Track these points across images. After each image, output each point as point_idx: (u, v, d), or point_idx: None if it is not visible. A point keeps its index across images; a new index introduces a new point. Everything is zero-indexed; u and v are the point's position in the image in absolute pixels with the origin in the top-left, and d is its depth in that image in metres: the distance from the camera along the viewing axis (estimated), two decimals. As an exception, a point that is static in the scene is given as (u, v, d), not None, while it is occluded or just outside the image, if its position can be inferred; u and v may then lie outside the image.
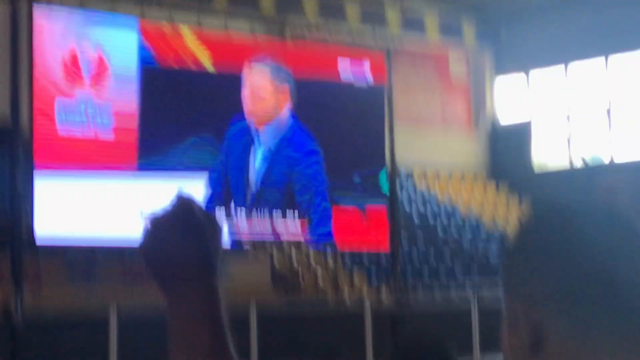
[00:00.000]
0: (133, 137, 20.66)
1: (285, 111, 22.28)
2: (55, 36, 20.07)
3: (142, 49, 20.75)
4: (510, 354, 1.52)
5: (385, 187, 23.95)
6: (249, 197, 21.98)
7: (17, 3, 19.29)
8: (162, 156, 20.81)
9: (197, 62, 21.46)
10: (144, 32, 20.95)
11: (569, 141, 32.55)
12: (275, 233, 23.22)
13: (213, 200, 21.53)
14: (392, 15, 31.21)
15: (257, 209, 22.11)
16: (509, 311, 1.53)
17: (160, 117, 21.06)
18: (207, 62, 21.63)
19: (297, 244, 25.95)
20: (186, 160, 21.08)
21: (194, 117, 21.46)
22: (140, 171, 20.68)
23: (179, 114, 21.33)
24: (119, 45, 20.68)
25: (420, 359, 3.80)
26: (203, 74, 21.77)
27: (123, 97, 20.61)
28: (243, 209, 21.94)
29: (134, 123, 20.64)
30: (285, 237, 23.97)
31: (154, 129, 20.91)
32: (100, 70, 20.21)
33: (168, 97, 21.25)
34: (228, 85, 21.91)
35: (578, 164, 31.91)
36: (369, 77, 24.30)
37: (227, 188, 21.80)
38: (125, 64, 20.65)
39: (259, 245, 24.92)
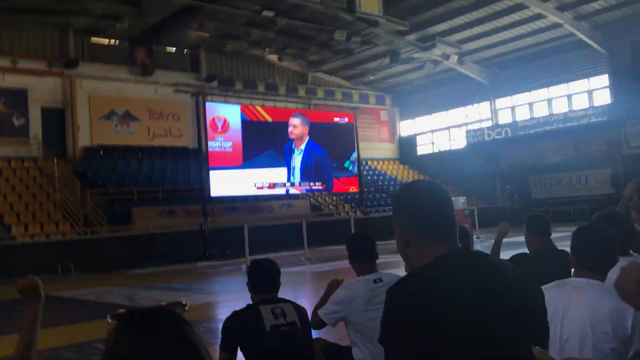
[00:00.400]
0: (240, 152, 20.60)
1: (307, 137, 22.24)
2: (210, 111, 20.16)
3: (240, 113, 20.75)
4: (399, 247, 1.52)
5: (350, 167, 23.94)
6: (298, 175, 22.01)
7: (199, 99, 19.40)
8: (252, 159, 20.73)
9: (264, 118, 21.48)
10: (241, 108, 20.92)
11: (432, 142, 32.19)
12: (311, 189, 23.37)
13: (287, 179, 21.64)
14: (355, 94, 31.09)
15: (303, 179, 22.17)
16: (396, 231, 1.51)
17: (251, 142, 20.70)
18: (268, 117, 21.54)
19: (320, 193, 25.97)
20: (263, 162, 20.96)
21: (266, 142, 21.03)
22: (244, 167, 20.56)
23: (259, 140, 20.97)
24: (232, 114, 20.61)
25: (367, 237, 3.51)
26: (268, 122, 21.50)
27: (235, 134, 20.51)
28: (297, 180, 22.07)
29: (240, 146, 20.51)
30: (315, 190, 24.18)
31: (249, 147, 20.60)
32: (225, 124, 20.28)
33: (254, 134, 21.04)
34: (282, 127, 21.79)
35: (437, 151, 31.61)
36: (347, 120, 24.37)
37: (287, 173, 21.87)
38: (235, 120, 20.57)
39: (304, 195, 25.03)
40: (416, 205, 1.49)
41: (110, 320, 1.10)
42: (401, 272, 1.67)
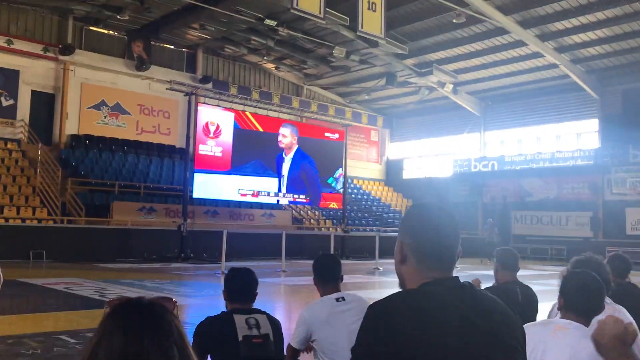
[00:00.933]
0: (229, 158, 20.41)
1: (295, 146, 22.30)
2: (204, 116, 20.08)
3: (234, 122, 20.66)
4: (395, 262, 1.54)
5: (334, 184, 23.88)
6: (284, 185, 22.00)
7: (192, 99, 19.34)
8: (240, 167, 20.62)
9: (256, 128, 21.42)
10: (235, 116, 20.84)
11: (419, 167, 32.21)
12: (295, 201, 23.31)
13: (278, 189, 21.67)
14: (348, 112, 31.18)
15: (290, 188, 22.14)
16: (396, 245, 1.52)
17: (240, 150, 20.50)
18: (259, 127, 21.49)
19: (303, 206, 25.88)
20: (249, 170, 20.82)
21: (255, 151, 20.83)
22: (231, 172, 20.41)
23: (249, 149, 20.83)
24: (226, 120, 20.49)
25: (333, 259, 3.54)
26: (259, 132, 21.30)
27: (226, 141, 20.37)
28: (284, 188, 22.03)
29: (229, 152, 20.32)
30: (299, 202, 24.10)
31: (238, 155, 20.41)
32: (217, 129, 20.20)
33: (245, 142, 20.94)
34: (272, 138, 21.69)
35: (423, 176, 31.65)
36: (337, 138, 24.40)
37: (279, 183, 21.85)
38: (227, 127, 20.45)
39: (287, 206, 24.89)
40: (420, 227, 1.50)
41: (105, 307, 1.15)
42: (369, 293, 1.66)
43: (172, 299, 1.21)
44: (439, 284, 1.41)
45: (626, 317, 2.96)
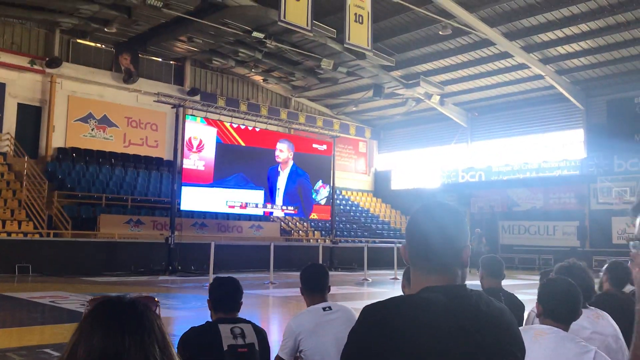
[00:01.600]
0: (211, 172, 20.36)
1: (291, 162, 22.38)
2: (187, 131, 20.04)
3: (216, 136, 20.63)
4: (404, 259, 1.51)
5: (314, 195, 23.62)
6: (279, 198, 22.03)
7: (179, 112, 19.31)
8: (223, 180, 20.55)
9: (238, 142, 21.40)
10: (217, 131, 20.82)
11: (407, 178, 32.23)
12: (284, 213, 23.27)
13: (271, 200, 21.69)
14: (336, 123, 31.24)
15: (284, 203, 22.15)
16: (402, 247, 1.49)
17: (223, 164, 20.49)
18: (241, 141, 21.46)
19: (292, 218, 25.74)
20: (232, 182, 20.77)
21: (237, 165, 20.81)
22: (214, 185, 20.32)
23: (230, 163, 20.73)
24: (208, 135, 20.44)
25: (320, 270, 3.53)
26: (241, 147, 21.27)
27: (209, 155, 20.30)
28: (279, 203, 22.04)
29: (212, 166, 20.28)
30: (288, 214, 24.04)
31: (220, 168, 20.39)
32: (200, 144, 20.16)
33: (226, 156, 20.88)
34: (254, 152, 21.65)
35: (411, 187, 31.64)
36: (325, 149, 24.43)
37: (272, 195, 21.84)
38: (210, 142, 20.40)
39: (276, 218, 24.81)
40: (416, 229, 1.45)
41: (86, 305, 1.14)
42: (358, 304, 1.65)
43: (154, 298, 1.20)
44: (439, 290, 1.37)
45: (610, 323, 2.97)
